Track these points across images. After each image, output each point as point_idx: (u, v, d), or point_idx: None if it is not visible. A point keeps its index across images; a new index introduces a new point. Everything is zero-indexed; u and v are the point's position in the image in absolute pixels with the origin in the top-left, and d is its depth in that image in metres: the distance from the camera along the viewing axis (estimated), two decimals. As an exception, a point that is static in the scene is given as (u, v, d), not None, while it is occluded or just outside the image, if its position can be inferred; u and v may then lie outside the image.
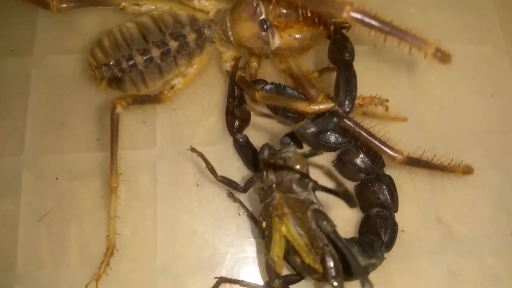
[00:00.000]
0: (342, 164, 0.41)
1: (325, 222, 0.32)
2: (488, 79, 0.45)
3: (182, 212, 0.41)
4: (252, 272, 0.40)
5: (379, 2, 0.35)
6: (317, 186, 0.33)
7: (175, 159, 0.42)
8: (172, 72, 0.41)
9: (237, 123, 0.41)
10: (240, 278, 0.39)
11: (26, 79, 0.44)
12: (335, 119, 0.34)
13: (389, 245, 0.38)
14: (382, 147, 0.36)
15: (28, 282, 0.40)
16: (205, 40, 0.41)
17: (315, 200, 0.33)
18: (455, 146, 0.41)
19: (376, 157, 0.39)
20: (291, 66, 0.41)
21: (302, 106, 0.37)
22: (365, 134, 0.36)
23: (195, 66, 0.42)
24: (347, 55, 0.36)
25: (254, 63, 0.42)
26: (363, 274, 0.32)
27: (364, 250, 0.36)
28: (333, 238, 0.32)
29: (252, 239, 0.40)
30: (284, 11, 0.38)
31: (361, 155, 0.39)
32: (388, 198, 0.39)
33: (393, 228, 0.39)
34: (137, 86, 0.41)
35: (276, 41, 0.39)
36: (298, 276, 0.37)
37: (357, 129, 0.36)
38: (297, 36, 0.38)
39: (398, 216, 0.40)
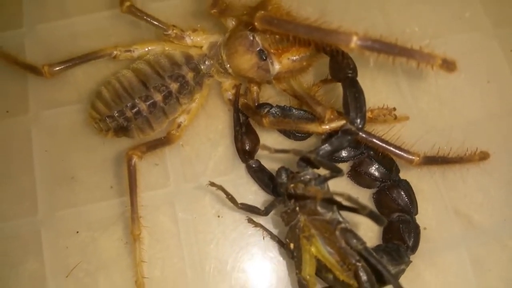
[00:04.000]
0: (358, 175, 0.44)
1: (355, 241, 0.35)
2: (482, 66, 0.49)
3: (208, 245, 0.43)
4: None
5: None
6: (342, 206, 0.35)
7: (191, 194, 0.45)
8: (177, 112, 0.43)
9: (248, 149, 0.43)
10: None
11: (27, 137, 0.46)
12: (349, 137, 0.37)
13: (414, 248, 0.41)
14: (398, 152, 0.39)
15: None
16: (203, 76, 0.44)
17: (341, 219, 0.36)
18: (459, 137, 0.44)
19: (390, 164, 0.42)
20: (293, 86, 0.43)
21: (313, 127, 0.39)
22: (379, 143, 0.39)
23: (196, 101, 0.45)
24: (350, 72, 0.38)
25: (255, 87, 0.44)
26: (394, 281, 0.35)
27: (392, 258, 0.39)
28: (364, 255, 0.34)
29: (281, 260, 0.43)
30: (279, 37, 0.40)
31: (376, 165, 0.42)
32: (408, 203, 0.42)
33: (416, 231, 0.42)
34: (144, 132, 0.43)
35: (276, 67, 0.41)
36: None
37: (371, 139, 0.38)
38: (295, 58, 0.41)
39: (417, 215, 0.43)
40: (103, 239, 0.44)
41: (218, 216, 0.44)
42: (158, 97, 0.42)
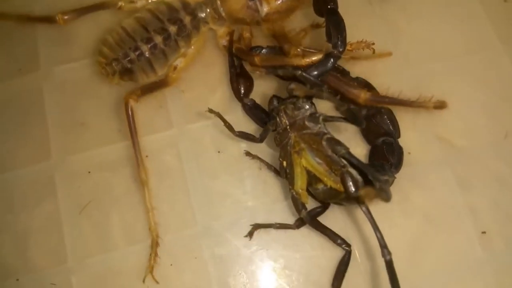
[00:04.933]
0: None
1: (339, 147, 0.39)
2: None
3: (210, 179, 0.47)
4: (282, 218, 0.46)
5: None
6: (326, 117, 0.39)
7: (193, 135, 0.49)
8: (175, 54, 0.48)
9: (243, 89, 0.47)
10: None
11: (38, 91, 0.50)
12: (332, 60, 0.41)
13: (398, 165, 0.45)
14: (348, 88, 0.44)
15: (81, 272, 0.45)
16: (199, 21, 0.48)
17: (326, 131, 0.40)
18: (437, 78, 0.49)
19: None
20: (279, 30, 0.48)
21: (296, 61, 0.44)
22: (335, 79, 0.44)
23: (193, 47, 0.49)
24: (332, 3, 0.43)
25: (247, 34, 0.48)
26: (380, 188, 0.38)
27: (376, 170, 0.43)
28: (348, 158, 0.38)
29: (278, 189, 0.47)
30: None
31: None
32: (390, 126, 0.46)
33: (399, 151, 0.46)
34: (147, 74, 0.47)
35: (265, 8, 0.46)
36: (323, 207, 0.44)
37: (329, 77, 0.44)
38: None
39: (402, 143, 0.47)
40: (114, 178, 0.47)
41: (218, 152, 0.48)
42: (158, 39, 0.46)
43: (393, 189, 0.46)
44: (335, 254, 0.44)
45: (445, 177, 0.47)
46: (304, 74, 0.40)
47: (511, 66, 0.51)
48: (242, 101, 0.47)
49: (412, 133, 0.48)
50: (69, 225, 0.46)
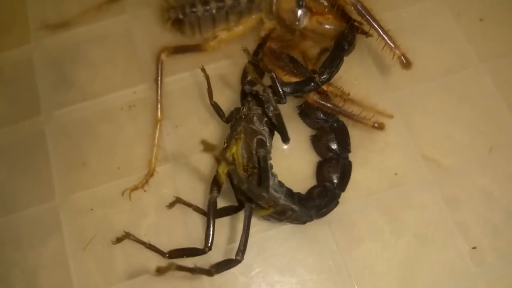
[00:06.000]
0: (305, 115, 0.51)
1: (262, 149, 0.43)
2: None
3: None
4: (284, 242, 0.48)
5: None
6: (269, 121, 0.45)
7: (188, 167, 0.51)
8: (223, 25, 0.53)
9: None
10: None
11: (41, 135, 0.53)
12: (312, 84, 0.44)
13: (341, 185, 0.48)
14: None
15: (88, 306, 0.48)
16: (253, 6, 0.52)
17: (265, 134, 0.44)
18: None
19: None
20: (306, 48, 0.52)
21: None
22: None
23: (241, 27, 0.53)
24: (346, 44, 0.45)
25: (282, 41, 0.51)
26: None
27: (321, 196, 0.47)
28: (261, 162, 0.42)
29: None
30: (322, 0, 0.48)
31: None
32: (337, 143, 0.49)
33: (344, 169, 0.48)
34: (194, 30, 0.54)
35: (305, 21, 0.49)
36: (235, 208, 0.46)
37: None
38: (323, 24, 0.49)
39: (389, 163, 0.50)
40: (115, 214, 0.50)
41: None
42: (213, 5, 0.52)
43: (382, 209, 0.48)
44: (330, 276, 0.47)
45: (433, 195, 0.49)
46: (274, 76, 0.44)
47: (491, 83, 0.53)
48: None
49: (397, 154, 0.50)
50: (74, 260, 0.49)
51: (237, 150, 0.45)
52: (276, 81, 0.44)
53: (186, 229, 0.49)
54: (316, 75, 0.45)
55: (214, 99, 0.48)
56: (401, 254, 0.47)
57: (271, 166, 0.44)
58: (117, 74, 0.55)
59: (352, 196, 0.49)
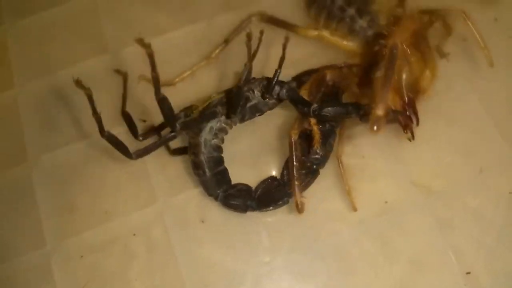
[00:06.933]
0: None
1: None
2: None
3: (197, 248, 0.50)
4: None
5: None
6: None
7: (177, 206, 0.51)
8: (340, 29, 0.52)
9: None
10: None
11: (28, 181, 0.53)
12: (305, 108, 0.46)
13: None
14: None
15: None
16: (360, 31, 0.51)
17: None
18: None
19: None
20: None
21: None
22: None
23: (345, 42, 0.53)
24: (363, 111, 0.45)
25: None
26: None
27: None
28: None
29: (268, 251, 0.49)
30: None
31: None
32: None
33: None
34: (320, 14, 0.53)
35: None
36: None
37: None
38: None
39: (378, 191, 0.49)
40: (105, 259, 0.50)
41: (202, 222, 0.50)
42: (351, 11, 0.52)
43: (375, 236, 0.48)
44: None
45: (425, 220, 0.49)
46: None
47: (478, 102, 0.53)
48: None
49: (386, 181, 0.50)
50: (68, 308, 0.49)
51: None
52: (277, 77, 0.46)
53: (178, 269, 0.49)
54: (316, 106, 0.45)
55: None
56: (394, 280, 0.47)
57: (224, 130, 0.50)
58: (103, 115, 0.56)
59: (344, 227, 0.49)
